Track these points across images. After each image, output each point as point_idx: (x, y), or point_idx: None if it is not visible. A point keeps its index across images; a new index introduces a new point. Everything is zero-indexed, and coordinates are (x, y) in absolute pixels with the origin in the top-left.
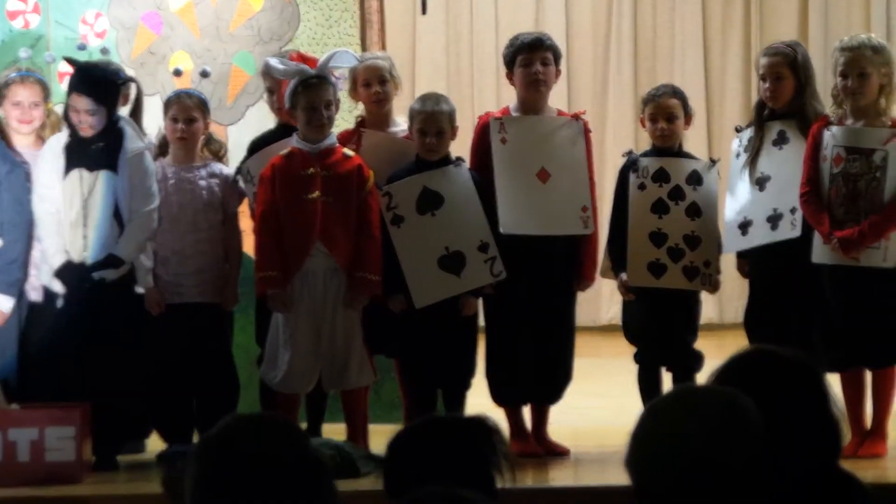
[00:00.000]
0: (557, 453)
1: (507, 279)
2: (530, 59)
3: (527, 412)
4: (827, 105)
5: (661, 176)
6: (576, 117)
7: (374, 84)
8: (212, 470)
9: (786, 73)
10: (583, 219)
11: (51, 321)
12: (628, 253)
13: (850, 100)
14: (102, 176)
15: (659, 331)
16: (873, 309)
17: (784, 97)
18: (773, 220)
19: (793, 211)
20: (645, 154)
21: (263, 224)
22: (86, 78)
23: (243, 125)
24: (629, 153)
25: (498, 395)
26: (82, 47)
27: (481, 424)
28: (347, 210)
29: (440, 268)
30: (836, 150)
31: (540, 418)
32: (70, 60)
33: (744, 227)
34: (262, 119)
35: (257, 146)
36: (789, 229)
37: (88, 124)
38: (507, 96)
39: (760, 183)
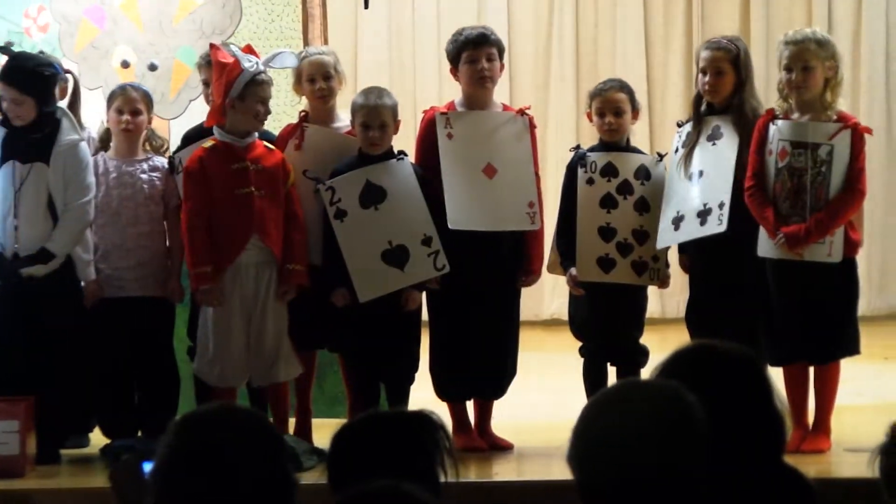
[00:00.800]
0: (501, 448)
1: (451, 273)
2: (476, 55)
3: (470, 407)
4: (772, 99)
5: (609, 170)
6: (521, 112)
7: (319, 80)
8: (181, 454)
9: (727, 68)
10: (529, 214)
11: None
12: (577, 248)
13: (794, 94)
14: (35, 168)
15: (605, 325)
16: (817, 304)
17: (723, 92)
18: (703, 214)
19: (721, 206)
20: (592, 149)
21: (195, 219)
22: (14, 68)
23: (186, 119)
24: (577, 148)
25: (442, 390)
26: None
27: (425, 420)
28: (278, 203)
29: (384, 262)
30: (781, 145)
31: (484, 413)
32: (4, 50)
33: (676, 221)
34: (204, 113)
35: (190, 138)
36: (716, 224)
37: (15, 114)
38: (449, 90)
39: (693, 178)
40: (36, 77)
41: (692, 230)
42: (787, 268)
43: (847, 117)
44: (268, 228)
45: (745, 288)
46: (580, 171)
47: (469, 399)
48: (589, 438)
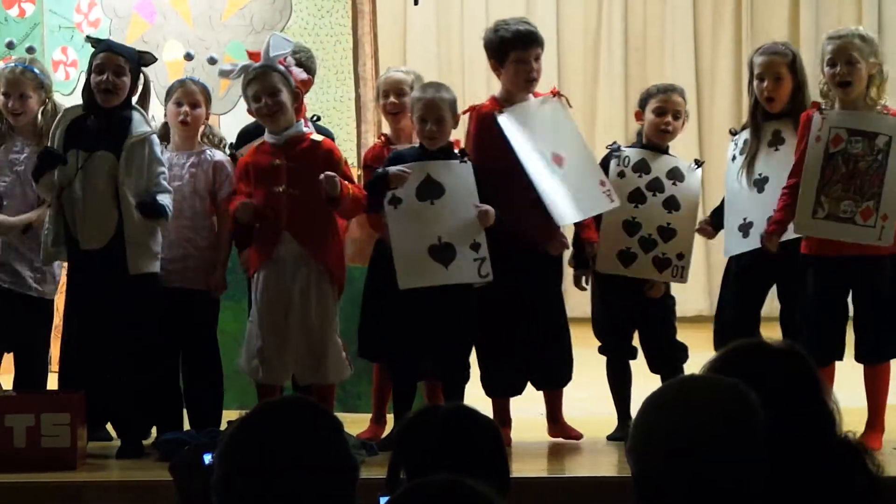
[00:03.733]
0: (572, 437)
1: (496, 268)
2: (525, 56)
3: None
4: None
5: (641, 167)
6: (554, 93)
7: (391, 95)
8: (244, 453)
9: (785, 73)
10: (606, 193)
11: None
12: (599, 239)
13: (839, 89)
14: (99, 157)
15: (623, 326)
16: (866, 303)
17: (783, 97)
18: None
19: None
20: (630, 146)
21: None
22: (117, 43)
23: (236, 115)
24: (613, 144)
25: (492, 388)
26: (10, 45)
27: (487, 420)
28: (314, 199)
29: (430, 255)
30: (834, 132)
31: (552, 404)
32: (92, 39)
33: (745, 228)
34: None
35: (245, 135)
36: (791, 230)
37: (115, 86)
38: (498, 85)
39: (759, 185)
40: (139, 57)
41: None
42: (835, 263)
43: None
44: (300, 227)
45: (789, 287)
46: (612, 163)
47: (518, 394)
48: (649, 432)
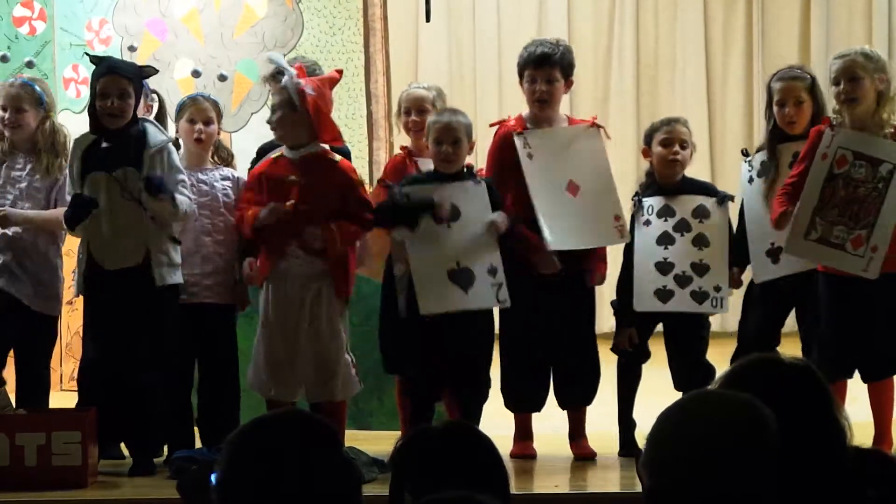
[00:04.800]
0: (588, 457)
1: (519, 284)
2: (535, 75)
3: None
4: None
5: (665, 212)
6: (593, 124)
7: (413, 113)
8: (244, 461)
9: (805, 97)
10: (617, 228)
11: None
12: (634, 281)
13: (845, 107)
14: (127, 173)
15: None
16: (870, 319)
17: (804, 122)
18: None
19: None
20: (647, 194)
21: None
22: (120, 62)
23: (247, 132)
24: (637, 194)
25: (514, 403)
26: (5, 59)
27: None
28: (326, 216)
29: (450, 280)
30: (841, 152)
31: (575, 422)
32: (92, 56)
33: (773, 254)
34: (265, 126)
35: (264, 151)
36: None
37: (120, 109)
38: (510, 104)
39: None
40: (140, 72)
41: (796, 262)
42: (842, 282)
43: None
44: (310, 241)
45: (805, 304)
46: (637, 218)
47: (538, 409)
48: (663, 446)
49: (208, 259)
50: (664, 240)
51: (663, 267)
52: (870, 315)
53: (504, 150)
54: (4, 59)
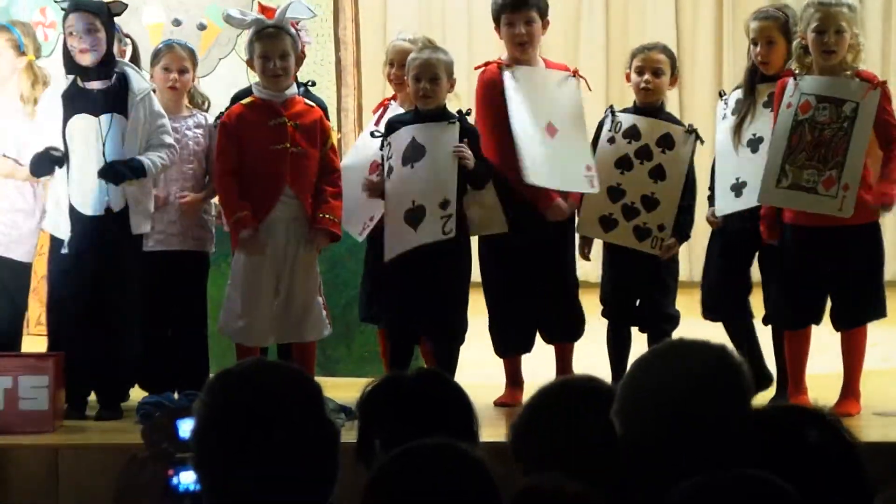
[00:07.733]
0: None
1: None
2: (513, 19)
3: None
4: None
5: (632, 133)
6: (576, 74)
7: (396, 66)
8: (221, 408)
9: (777, 36)
10: (588, 178)
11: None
12: (582, 203)
13: (822, 56)
14: (115, 119)
15: (626, 289)
16: (842, 268)
17: (777, 61)
18: None
19: None
20: (624, 110)
21: (226, 172)
22: (84, 2)
23: (215, 77)
24: (611, 107)
25: (502, 347)
26: None
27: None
28: (313, 159)
29: (405, 221)
30: (804, 98)
31: (562, 360)
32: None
33: (737, 188)
34: (233, 71)
35: (240, 97)
36: (749, 199)
37: (90, 44)
38: (479, 48)
39: (753, 144)
40: (106, 8)
41: (756, 198)
42: (811, 232)
43: (870, 77)
44: (300, 182)
45: (766, 251)
46: (605, 127)
47: (528, 351)
48: (636, 393)
49: (176, 206)
50: (623, 164)
51: (614, 193)
52: (841, 264)
53: (490, 90)
54: None
